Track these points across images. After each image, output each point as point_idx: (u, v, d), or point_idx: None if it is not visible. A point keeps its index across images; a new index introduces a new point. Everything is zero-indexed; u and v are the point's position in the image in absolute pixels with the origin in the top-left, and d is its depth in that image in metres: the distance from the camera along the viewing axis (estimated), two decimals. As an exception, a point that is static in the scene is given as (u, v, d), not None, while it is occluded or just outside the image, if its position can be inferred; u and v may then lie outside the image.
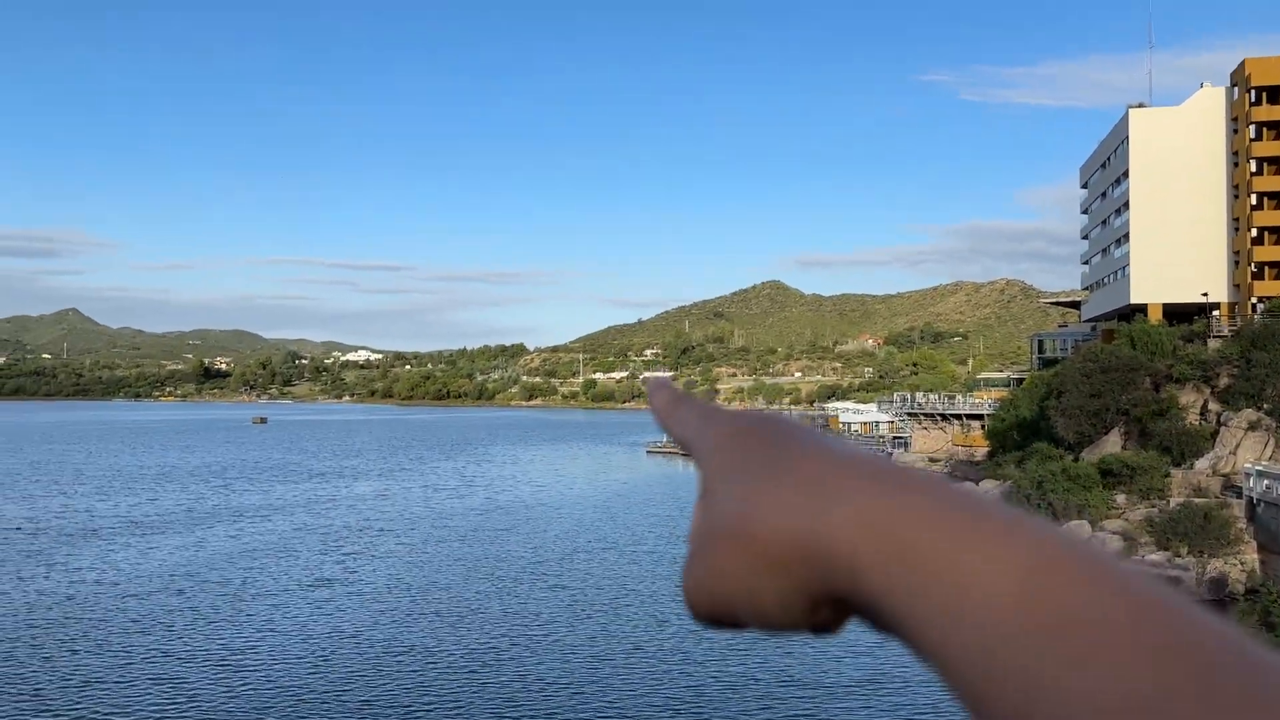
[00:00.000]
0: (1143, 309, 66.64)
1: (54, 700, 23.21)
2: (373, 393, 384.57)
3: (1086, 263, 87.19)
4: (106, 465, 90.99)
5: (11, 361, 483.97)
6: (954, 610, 0.46)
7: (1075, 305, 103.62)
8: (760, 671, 26.06)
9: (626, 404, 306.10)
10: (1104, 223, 78.59)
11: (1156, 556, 37.64)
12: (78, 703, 23.11)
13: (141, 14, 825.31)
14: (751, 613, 0.54)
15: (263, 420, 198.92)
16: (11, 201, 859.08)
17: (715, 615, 0.56)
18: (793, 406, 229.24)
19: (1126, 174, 69.71)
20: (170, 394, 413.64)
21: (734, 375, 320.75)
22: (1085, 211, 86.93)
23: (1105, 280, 78.27)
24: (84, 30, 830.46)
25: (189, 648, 27.82)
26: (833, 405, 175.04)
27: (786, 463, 0.56)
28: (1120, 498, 43.31)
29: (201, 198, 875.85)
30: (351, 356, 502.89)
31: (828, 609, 0.53)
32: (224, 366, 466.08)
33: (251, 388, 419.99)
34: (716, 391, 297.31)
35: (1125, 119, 69.69)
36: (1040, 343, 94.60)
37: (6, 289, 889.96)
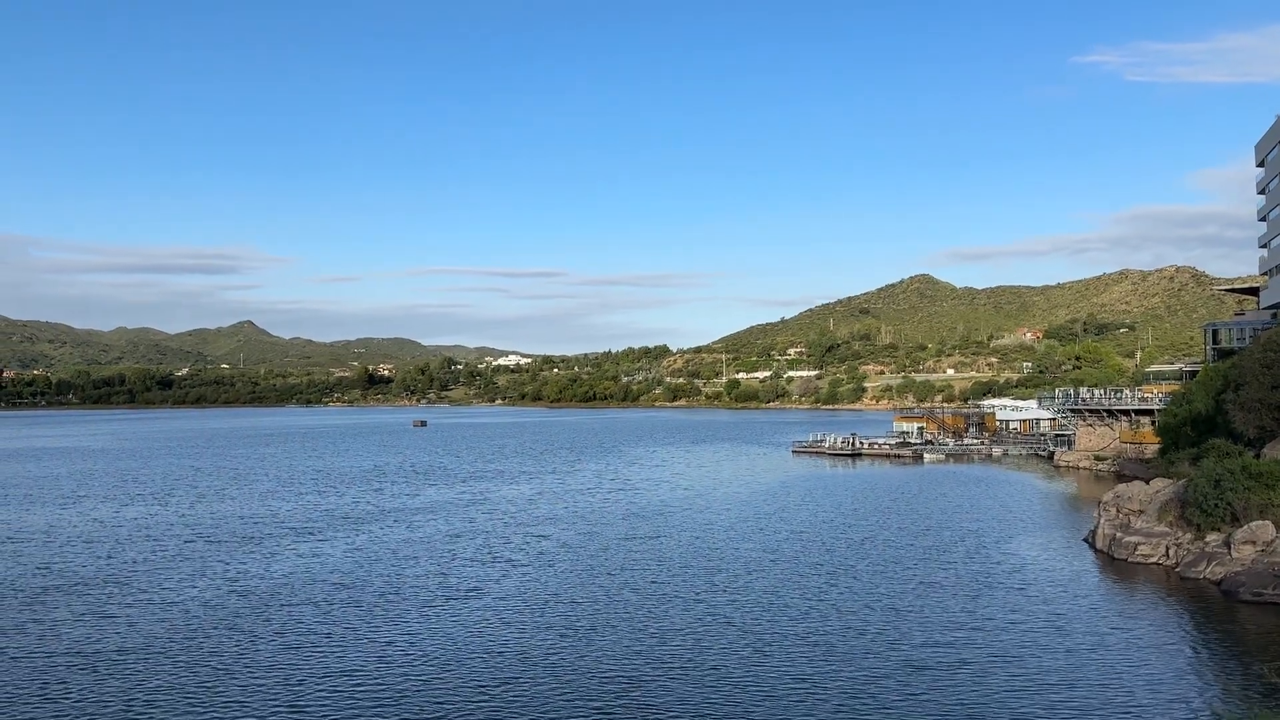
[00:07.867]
0: (1332, 294, 61.83)
1: (205, 701, 24.88)
2: (523, 395, 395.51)
3: (1265, 245, 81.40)
4: (280, 468, 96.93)
5: (194, 372, 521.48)
6: None
7: (1253, 292, 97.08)
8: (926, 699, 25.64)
9: (770, 404, 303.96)
10: (1285, 203, 73.25)
11: (1351, 562, 34.92)
12: (226, 706, 24.75)
13: (311, 43, 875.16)
14: None
15: (423, 424, 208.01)
16: (197, 222, 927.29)
17: None
18: (945, 404, 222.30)
19: (1310, 149, 64.80)
20: (338, 399, 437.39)
21: (881, 373, 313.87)
22: (1262, 191, 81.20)
23: (1288, 264, 72.94)
24: (257, 60, 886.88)
25: (334, 656, 29.15)
26: (989, 402, 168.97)
27: None
28: (1308, 499, 40.34)
29: (369, 213, 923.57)
30: (503, 361, 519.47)
31: None
32: (386, 373, 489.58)
33: (411, 392, 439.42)
34: (863, 390, 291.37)
35: (1307, 90, 64.79)
36: (1215, 332, 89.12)
37: (189, 304, 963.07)
